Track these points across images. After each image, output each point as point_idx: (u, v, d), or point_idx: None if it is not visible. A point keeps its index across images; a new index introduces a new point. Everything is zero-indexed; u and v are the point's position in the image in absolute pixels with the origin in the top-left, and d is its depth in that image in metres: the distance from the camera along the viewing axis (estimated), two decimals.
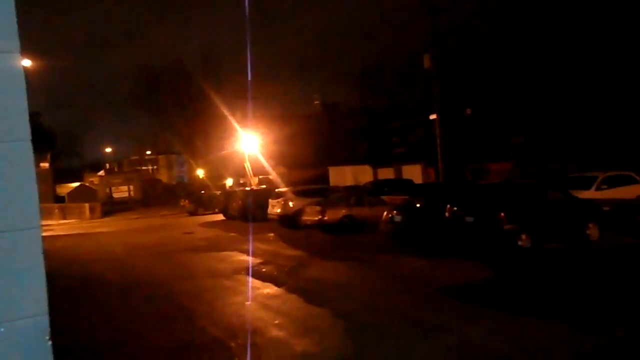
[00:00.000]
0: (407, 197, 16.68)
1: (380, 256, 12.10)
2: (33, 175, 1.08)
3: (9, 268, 1.05)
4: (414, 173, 30.63)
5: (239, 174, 42.02)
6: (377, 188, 23.50)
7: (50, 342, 1.08)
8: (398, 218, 14.08)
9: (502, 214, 10.67)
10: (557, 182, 15.34)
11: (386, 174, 33.54)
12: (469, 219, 11.51)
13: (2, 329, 1.03)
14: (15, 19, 1.06)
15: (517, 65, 25.88)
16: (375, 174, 34.94)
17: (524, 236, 10.70)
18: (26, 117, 1.06)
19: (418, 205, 14.59)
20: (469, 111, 26.51)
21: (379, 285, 9.25)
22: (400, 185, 24.17)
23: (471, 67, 28.25)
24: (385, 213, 14.78)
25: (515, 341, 5.70)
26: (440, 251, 11.67)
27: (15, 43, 1.06)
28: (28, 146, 1.07)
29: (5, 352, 1.04)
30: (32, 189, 1.07)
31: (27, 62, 20.55)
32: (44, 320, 1.08)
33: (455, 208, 12.00)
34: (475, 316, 6.78)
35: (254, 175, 37.01)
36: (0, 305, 1.04)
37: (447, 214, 12.12)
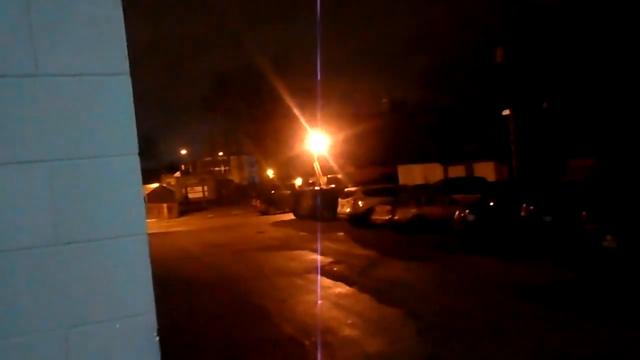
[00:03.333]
0: (479, 195, 16.20)
1: (452, 256, 11.86)
2: (140, 185, 1.18)
3: (120, 270, 1.16)
4: (486, 171, 29.66)
5: (308, 173, 42.58)
6: (448, 187, 22.99)
7: (157, 338, 1.18)
8: (471, 217, 13.72)
9: (584, 213, 10.12)
10: None
11: (457, 172, 32.70)
12: (547, 218, 11.02)
13: (118, 325, 1.14)
14: (125, 43, 1.17)
15: (598, 53, 24.38)
16: (445, 173, 34.18)
17: (609, 237, 10.08)
18: (134, 133, 1.17)
19: (491, 203, 14.14)
20: (545, 105, 25.27)
21: (452, 286, 9.08)
22: (472, 183, 23.49)
23: (547, 57, 26.92)
24: (457, 212, 14.45)
25: (599, 349, 5.41)
26: (516, 252, 11.25)
27: (125, 65, 1.17)
28: (136, 159, 1.17)
29: (119, 346, 1.15)
30: (139, 198, 1.18)
31: None
32: (152, 318, 1.18)
33: (532, 207, 11.53)
34: (556, 321, 6.50)
35: (323, 174, 37.34)
36: (114, 303, 1.15)
37: (523, 213, 11.67)
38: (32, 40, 1.09)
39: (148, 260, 1.19)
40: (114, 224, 1.15)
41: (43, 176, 1.10)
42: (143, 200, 1.19)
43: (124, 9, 1.17)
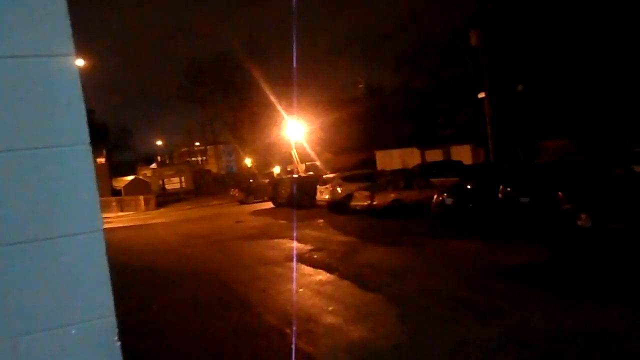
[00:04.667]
0: (457, 179, 16.33)
1: (432, 240, 11.92)
2: (93, 178, 1.07)
3: (73, 271, 1.06)
4: (463, 154, 29.95)
5: (286, 161, 42.41)
6: (425, 171, 23.17)
7: (119, 343, 1.09)
8: (449, 201, 13.81)
9: (560, 194, 10.25)
10: (620, 158, 14.60)
11: (434, 156, 32.96)
12: (524, 200, 11.13)
13: (73, 331, 1.04)
14: (68, 22, 1.05)
15: (571, 36, 24.64)
16: (423, 157, 34.41)
17: (583, 216, 10.24)
18: (84, 121, 1.06)
19: (469, 186, 14.25)
20: (520, 87, 25.51)
21: (432, 269, 9.12)
22: (449, 167, 23.73)
23: (522, 40, 27.12)
24: (435, 196, 14.53)
25: (578, 326, 5.48)
26: (494, 233, 11.36)
27: (70, 46, 1.05)
28: (87, 150, 1.06)
29: (76, 353, 1.05)
30: (92, 192, 1.07)
31: (80, 62, 21.33)
32: (111, 322, 1.08)
33: (508, 189, 11.64)
34: (534, 300, 6.57)
35: (301, 162, 37.21)
36: (68, 308, 1.05)
37: (500, 195, 11.77)
38: None
39: (105, 259, 1.09)
40: (65, 221, 1.04)
41: None
42: (97, 195, 1.08)
43: None
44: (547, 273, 7.96)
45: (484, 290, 7.26)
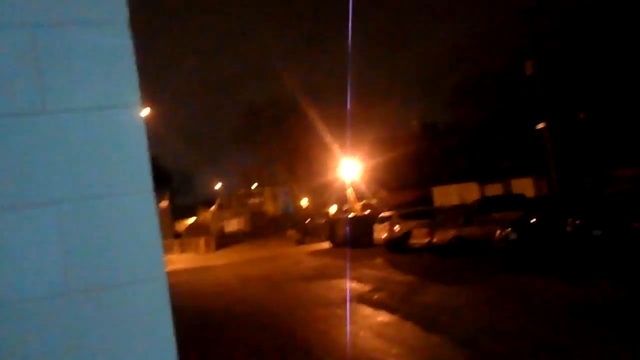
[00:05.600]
0: (520, 212, 15.70)
1: (497, 277, 11.41)
2: (156, 225, 1.08)
3: (135, 320, 1.05)
4: (524, 187, 28.86)
5: (342, 200, 42.40)
6: (486, 205, 22.42)
7: None
8: (513, 236, 13.26)
9: (637, 225, 9.61)
10: None
11: (494, 190, 31.95)
12: (597, 232, 10.51)
13: None
14: (135, 73, 1.09)
15: (631, 58, 23.64)
16: (482, 191, 33.44)
17: None
18: (148, 169, 1.08)
19: (534, 220, 13.65)
20: (582, 115, 24.55)
21: (500, 308, 8.69)
22: (511, 200, 22.85)
23: (580, 66, 26.29)
24: (498, 231, 14.00)
25: None
26: (564, 269, 10.73)
27: (136, 96, 1.08)
28: (150, 198, 1.08)
29: None
30: (155, 239, 1.08)
31: (145, 111, 22.55)
32: None
33: (578, 221, 11.04)
34: (613, 341, 6.07)
35: (357, 200, 37.11)
36: (131, 358, 1.04)
37: (569, 228, 11.18)
38: (39, 75, 1.02)
39: (168, 307, 1.08)
40: (128, 268, 1.05)
41: (52, 218, 1.01)
42: (160, 242, 1.09)
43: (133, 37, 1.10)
44: (626, 312, 7.38)
45: (556, 331, 6.81)
